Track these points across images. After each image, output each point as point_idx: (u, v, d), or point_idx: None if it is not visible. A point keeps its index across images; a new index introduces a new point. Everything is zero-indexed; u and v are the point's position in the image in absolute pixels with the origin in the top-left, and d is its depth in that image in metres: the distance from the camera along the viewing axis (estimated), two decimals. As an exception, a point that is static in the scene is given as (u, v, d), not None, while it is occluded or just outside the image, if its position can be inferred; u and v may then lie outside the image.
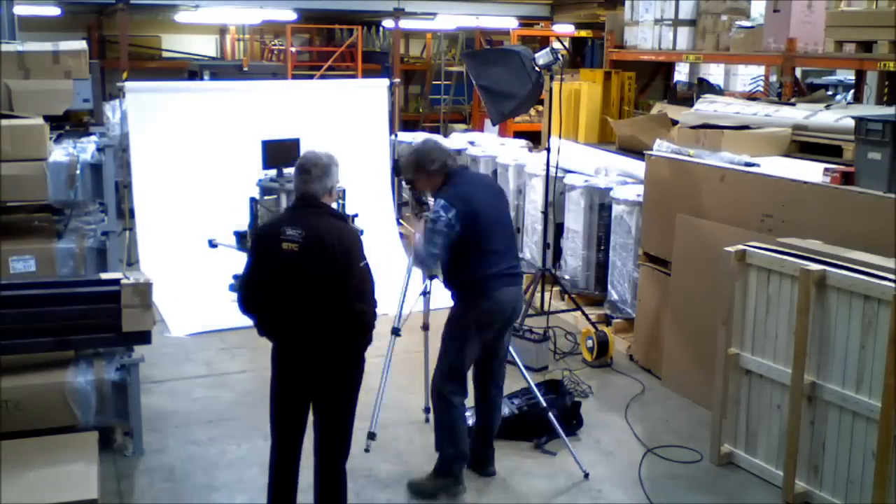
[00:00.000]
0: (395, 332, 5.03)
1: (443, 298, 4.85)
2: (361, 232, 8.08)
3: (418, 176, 4.54)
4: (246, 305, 3.91)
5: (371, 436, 4.71)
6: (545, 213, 7.10)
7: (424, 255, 4.39)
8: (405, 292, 5.10)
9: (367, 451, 4.69)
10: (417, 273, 5.06)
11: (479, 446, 4.72)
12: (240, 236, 7.62)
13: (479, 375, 4.67)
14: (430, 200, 4.59)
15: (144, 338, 4.79)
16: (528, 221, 8.05)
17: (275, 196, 7.54)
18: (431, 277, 5.06)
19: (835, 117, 6.46)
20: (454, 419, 4.49)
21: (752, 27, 8.33)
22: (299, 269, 3.73)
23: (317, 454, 3.95)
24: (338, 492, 3.97)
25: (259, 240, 3.96)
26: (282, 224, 3.82)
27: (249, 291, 3.88)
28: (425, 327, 5.23)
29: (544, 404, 4.93)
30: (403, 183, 5.38)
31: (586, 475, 4.78)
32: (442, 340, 4.52)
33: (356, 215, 8.27)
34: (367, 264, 3.83)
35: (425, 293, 5.14)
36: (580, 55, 15.46)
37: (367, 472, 4.66)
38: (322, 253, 3.71)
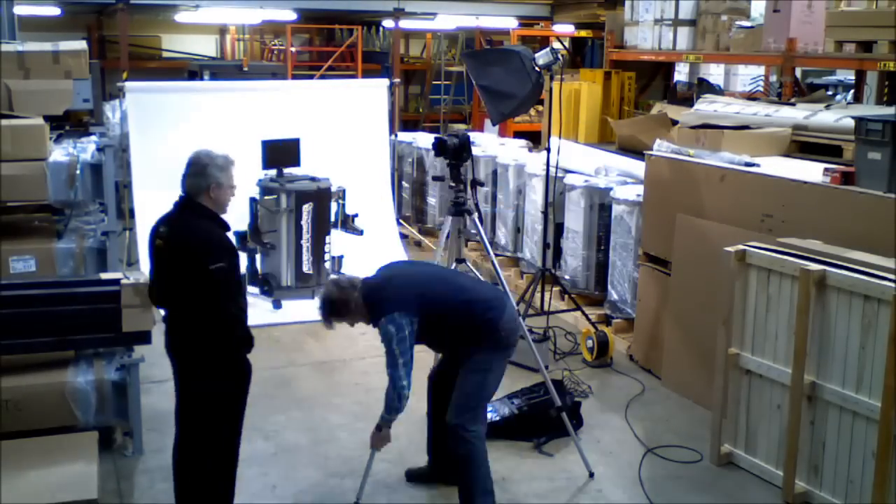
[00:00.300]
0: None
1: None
2: (362, 232, 8.17)
3: (346, 320, 4.37)
4: (150, 296, 4.15)
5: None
6: (545, 213, 7.10)
7: (396, 389, 4.18)
8: None
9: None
10: None
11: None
12: (240, 236, 7.62)
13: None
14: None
15: (144, 338, 4.80)
16: (528, 221, 8.05)
17: (275, 196, 7.55)
18: None
19: (835, 117, 6.46)
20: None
21: (752, 27, 8.33)
22: (164, 266, 3.87)
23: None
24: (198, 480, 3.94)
25: (149, 234, 4.00)
26: (161, 220, 3.92)
27: (150, 283, 4.09)
28: None
29: (559, 403, 4.92)
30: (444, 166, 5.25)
31: (591, 475, 4.78)
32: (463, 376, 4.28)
33: (356, 215, 8.29)
34: (220, 268, 3.71)
35: None
36: (580, 55, 15.46)
37: (368, 473, 4.65)
38: (179, 252, 3.78)
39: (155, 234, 3.87)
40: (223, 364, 3.82)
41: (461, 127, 15.63)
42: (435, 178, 5.44)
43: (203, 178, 3.82)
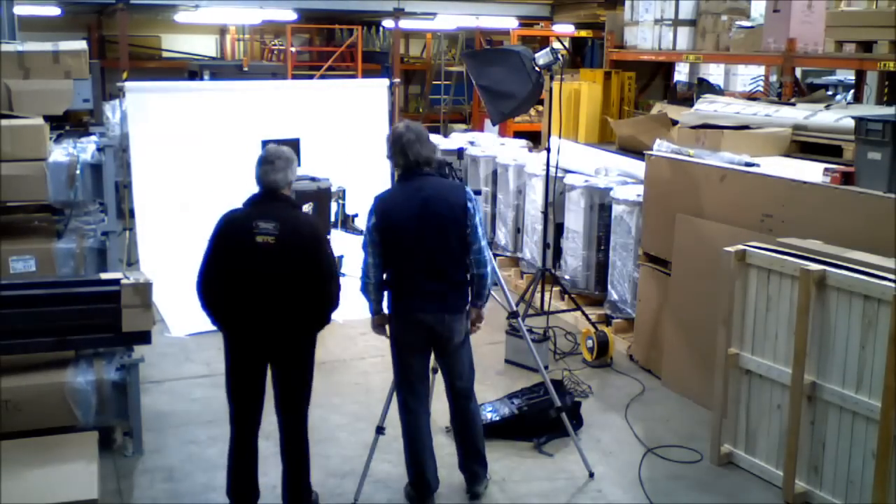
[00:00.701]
0: None
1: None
2: (362, 232, 8.18)
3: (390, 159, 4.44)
4: (208, 299, 4.03)
5: (380, 430, 4.66)
6: (545, 213, 7.10)
7: (361, 276, 4.30)
8: None
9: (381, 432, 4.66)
10: None
11: (463, 460, 4.56)
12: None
13: (446, 387, 4.53)
14: None
15: (144, 338, 4.80)
16: (528, 221, 8.05)
17: (275, 196, 7.53)
18: None
19: (835, 117, 6.46)
20: (403, 433, 4.41)
21: (752, 27, 8.34)
22: (276, 261, 3.89)
23: (281, 411, 4.17)
24: (304, 437, 4.21)
25: (227, 233, 3.98)
26: (252, 217, 3.92)
27: (211, 285, 4.01)
28: None
29: (559, 403, 4.91)
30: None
31: (591, 475, 4.77)
32: None
33: (356, 215, 8.29)
34: (332, 252, 4.06)
35: None
36: (580, 55, 15.47)
37: (367, 473, 4.65)
38: (299, 244, 3.92)
39: (248, 230, 3.89)
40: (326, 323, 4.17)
41: (461, 127, 15.63)
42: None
43: (290, 170, 4.04)
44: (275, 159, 4.00)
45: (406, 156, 4.27)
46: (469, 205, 4.20)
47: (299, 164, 7.86)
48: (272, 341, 4.03)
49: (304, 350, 4.14)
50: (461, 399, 4.47)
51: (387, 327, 4.38)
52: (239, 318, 4.02)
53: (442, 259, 4.20)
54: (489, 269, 4.27)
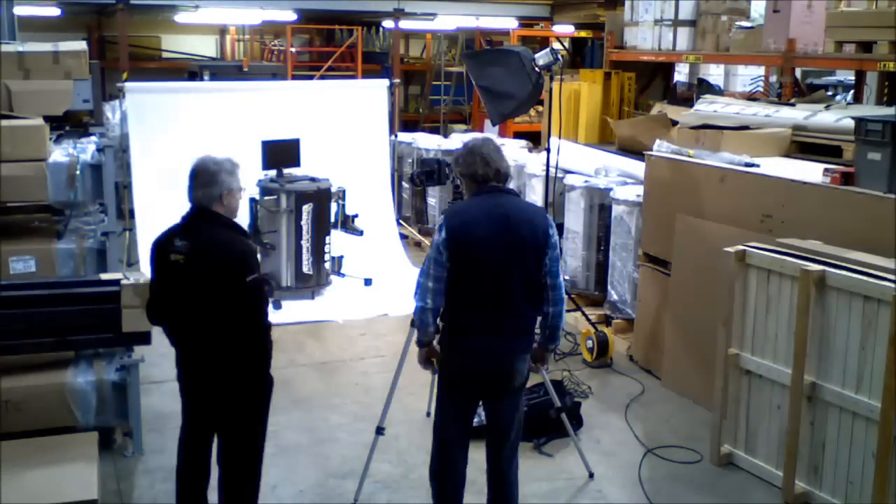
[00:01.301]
0: (415, 324, 4.81)
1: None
2: (362, 233, 8.18)
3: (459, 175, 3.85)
4: (150, 314, 3.88)
5: (380, 430, 4.66)
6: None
7: (417, 299, 3.74)
8: None
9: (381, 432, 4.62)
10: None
11: None
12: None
13: (487, 442, 3.96)
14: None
15: (144, 338, 4.79)
16: (528, 222, 8.04)
17: (275, 196, 7.55)
18: None
19: (834, 118, 6.46)
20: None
21: (752, 27, 8.34)
22: (186, 282, 3.61)
23: (221, 489, 3.79)
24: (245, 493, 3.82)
25: (154, 250, 3.75)
26: (173, 234, 3.68)
27: (153, 301, 3.84)
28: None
29: (559, 403, 4.91)
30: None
31: (591, 475, 4.77)
32: None
33: (356, 216, 8.29)
34: (256, 279, 3.61)
35: None
36: (580, 55, 15.46)
37: (367, 473, 4.65)
38: (207, 266, 3.58)
39: (166, 249, 3.65)
40: (258, 375, 3.75)
41: (461, 127, 15.63)
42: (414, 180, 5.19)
43: (215, 185, 3.63)
44: (198, 173, 3.65)
45: (487, 165, 3.70)
46: (551, 231, 3.72)
47: (298, 164, 7.97)
48: (203, 371, 3.71)
49: (234, 396, 3.70)
50: (503, 462, 3.88)
51: (434, 362, 3.88)
52: (176, 338, 3.80)
53: (517, 288, 3.64)
54: (564, 306, 3.82)
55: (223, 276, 3.56)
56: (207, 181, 3.63)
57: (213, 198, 3.64)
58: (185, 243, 3.61)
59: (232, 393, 3.69)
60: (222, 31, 17.79)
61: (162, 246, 3.69)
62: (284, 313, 7.40)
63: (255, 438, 3.83)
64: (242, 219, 7.49)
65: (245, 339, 3.63)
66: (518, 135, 12.60)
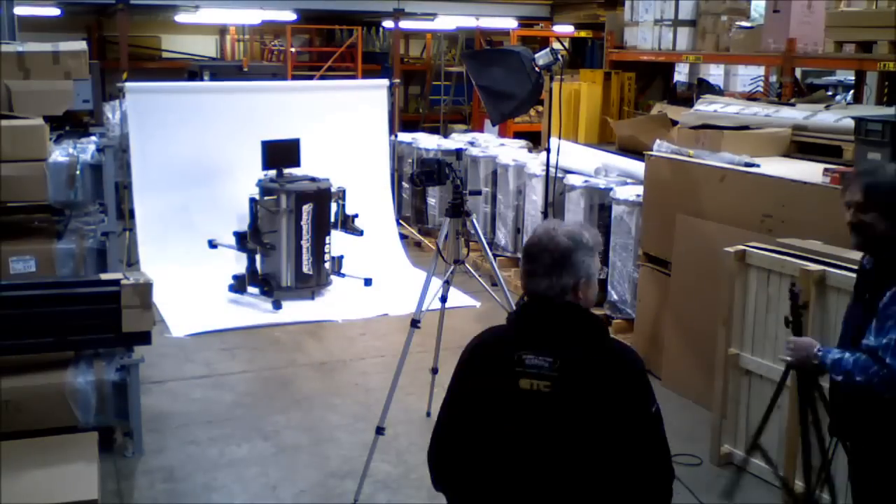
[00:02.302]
0: (415, 323, 4.70)
1: (456, 300, 4.73)
2: (362, 233, 8.18)
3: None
4: (440, 476, 2.53)
5: (380, 430, 4.65)
6: (545, 214, 7.08)
7: None
8: (427, 285, 4.79)
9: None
10: (435, 270, 4.82)
11: None
12: (239, 237, 7.63)
13: None
14: None
15: (144, 338, 4.80)
16: (528, 222, 8.05)
17: (275, 196, 7.55)
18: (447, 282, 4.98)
19: (834, 118, 6.46)
20: None
21: (752, 27, 8.35)
22: (549, 425, 2.27)
23: None
24: None
25: (471, 367, 2.42)
26: (516, 344, 2.32)
27: (447, 454, 2.48)
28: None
29: None
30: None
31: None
32: None
33: (356, 215, 8.29)
34: (658, 411, 2.34)
35: (444, 298, 5.10)
36: (580, 55, 15.46)
37: (367, 473, 4.65)
38: (590, 396, 2.27)
39: (510, 367, 2.29)
40: None
41: (461, 127, 15.63)
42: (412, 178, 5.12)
43: (573, 269, 2.33)
44: (545, 249, 2.35)
45: None
46: None
47: (298, 164, 7.98)
48: None
49: None
50: None
51: None
52: None
53: None
54: None
55: (617, 412, 2.27)
56: (561, 263, 2.33)
57: (568, 287, 2.34)
58: (550, 360, 2.27)
59: None
60: (222, 31, 17.79)
61: (493, 359, 2.36)
62: (284, 313, 7.40)
63: None
64: (242, 219, 7.62)
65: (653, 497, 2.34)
66: (518, 135, 12.59)
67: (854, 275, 4.23)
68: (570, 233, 2.36)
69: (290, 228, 7.57)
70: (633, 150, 7.55)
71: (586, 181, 7.27)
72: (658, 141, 6.43)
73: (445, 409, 2.51)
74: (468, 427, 2.39)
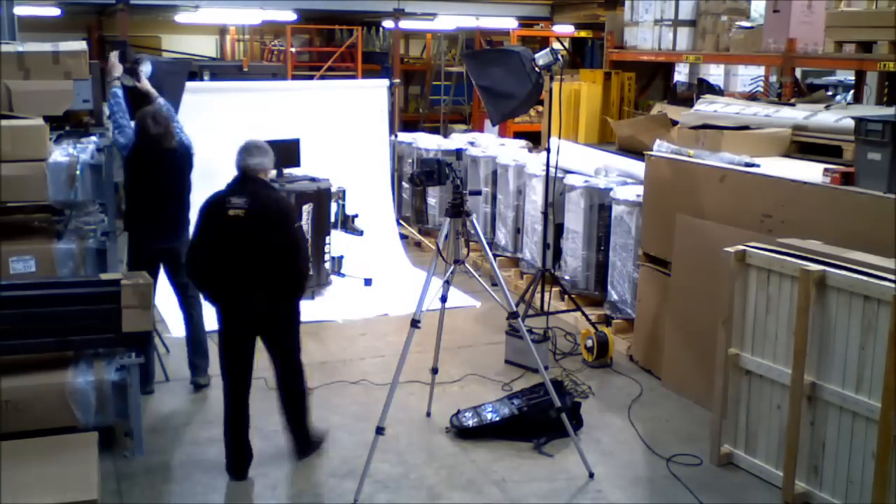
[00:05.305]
0: (415, 323, 4.70)
1: (456, 300, 4.77)
2: (362, 233, 8.19)
3: None
4: (198, 274, 4.56)
5: (380, 430, 4.65)
6: (545, 214, 7.10)
7: None
8: (427, 285, 4.78)
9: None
10: (435, 270, 4.84)
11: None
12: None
13: None
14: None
15: (144, 338, 4.80)
16: (528, 222, 8.05)
17: (275, 196, 7.54)
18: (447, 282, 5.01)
19: (835, 118, 6.46)
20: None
21: (752, 27, 8.34)
22: (245, 233, 4.42)
23: (280, 375, 4.79)
24: (303, 380, 4.87)
25: (205, 211, 4.50)
26: (226, 195, 4.47)
27: (200, 263, 4.54)
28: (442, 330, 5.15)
29: (559, 403, 4.90)
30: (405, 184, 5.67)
31: (591, 475, 4.77)
32: None
33: (356, 215, 8.29)
34: (300, 226, 4.61)
35: (444, 298, 5.11)
36: (580, 55, 15.48)
37: (367, 473, 4.65)
38: (265, 217, 4.44)
39: (222, 207, 4.42)
40: (299, 295, 4.69)
41: (461, 127, 15.63)
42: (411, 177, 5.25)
43: (265, 159, 4.59)
44: (251, 147, 4.59)
45: None
46: None
47: (298, 164, 7.97)
48: (253, 309, 4.51)
49: (285, 315, 4.67)
50: None
51: None
52: (223, 290, 4.51)
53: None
54: None
55: (280, 224, 4.48)
56: (259, 154, 4.57)
57: (262, 167, 4.56)
58: (244, 200, 4.42)
59: (283, 316, 4.65)
60: (222, 31, 17.81)
61: (217, 205, 4.47)
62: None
63: (299, 355, 4.81)
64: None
65: (295, 269, 4.55)
66: (518, 135, 12.60)
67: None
68: (266, 144, 4.69)
69: (290, 228, 7.57)
70: (633, 150, 7.55)
71: (586, 181, 7.27)
72: (658, 141, 6.43)
73: (195, 237, 4.57)
74: (206, 243, 4.52)
